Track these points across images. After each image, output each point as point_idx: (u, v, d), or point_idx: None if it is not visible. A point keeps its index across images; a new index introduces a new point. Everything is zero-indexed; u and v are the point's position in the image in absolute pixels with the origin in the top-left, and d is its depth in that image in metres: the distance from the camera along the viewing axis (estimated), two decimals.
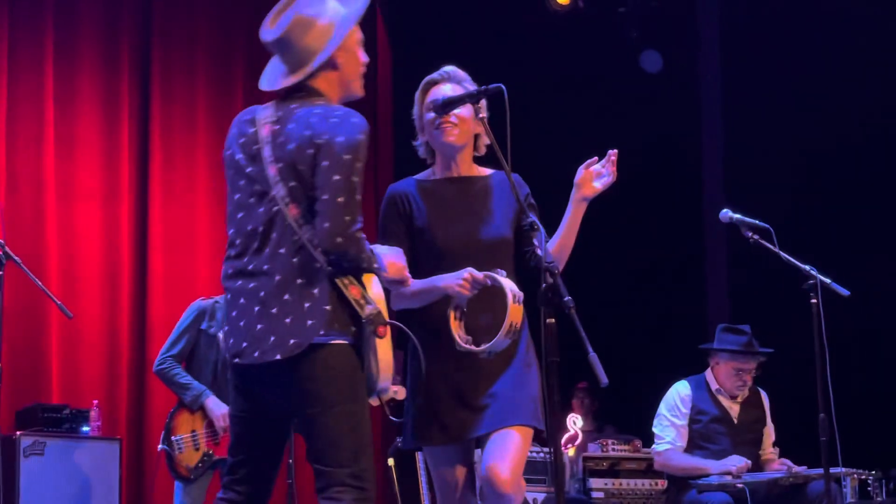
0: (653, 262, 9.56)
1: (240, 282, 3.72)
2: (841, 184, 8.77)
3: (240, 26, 9.27)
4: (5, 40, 8.09)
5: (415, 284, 4.07)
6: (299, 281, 3.62)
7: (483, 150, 4.33)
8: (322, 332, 3.59)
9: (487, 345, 3.97)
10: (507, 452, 4.07)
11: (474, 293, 4.03)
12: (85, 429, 7.15)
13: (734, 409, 6.56)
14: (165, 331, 6.99)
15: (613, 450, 7.60)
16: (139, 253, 8.45)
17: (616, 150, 4.17)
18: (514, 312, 3.93)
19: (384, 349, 3.67)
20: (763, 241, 5.70)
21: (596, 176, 4.14)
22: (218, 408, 6.45)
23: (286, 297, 3.62)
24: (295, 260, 3.64)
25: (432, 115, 4.27)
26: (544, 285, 3.69)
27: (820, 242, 7.77)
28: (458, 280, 4.02)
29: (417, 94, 4.40)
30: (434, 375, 4.14)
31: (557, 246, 4.21)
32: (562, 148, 9.30)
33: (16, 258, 6.06)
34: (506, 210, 4.24)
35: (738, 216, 5.77)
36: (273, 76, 3.87)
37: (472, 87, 4.29)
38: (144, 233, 8.55)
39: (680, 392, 6.59)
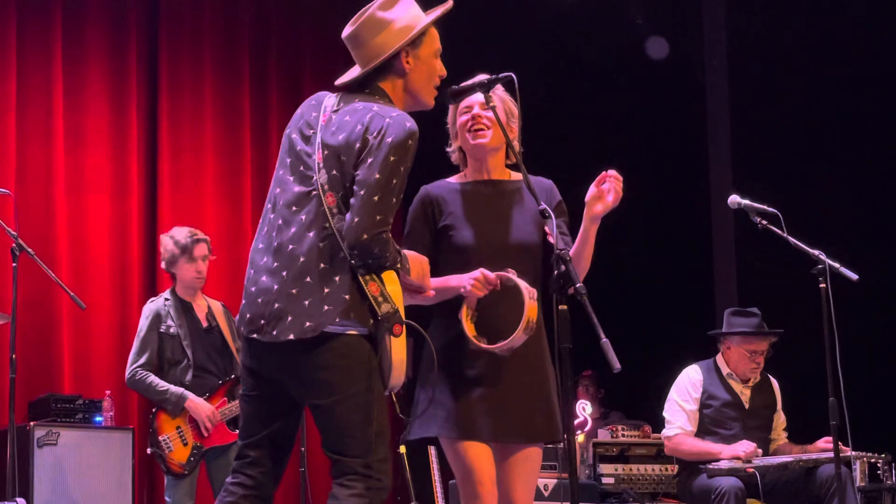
0: (660, 247, 9.58)
1: (265, 259, 3.76)
2: (849, 167, 8.78)
3: (246, 18, 9.29)
4: (13, 32, 8.12)
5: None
6: (322, 266, 3.65)
7: (513, 159, 4.31)
8: (338, 320, 3.60)
9: (504, 342, 4.00)
10: (530, 487, 4.22)
11: (486, 293, 4.06)
12: (98, 419, 7.19)
13: (745, 394, 6.58)
14: None
15: (623, 435, 7.63)
16: (149, 244, 8.49)
17: (616, 173, 4.15)
18: (531, 310, 3.96)
19: (398, 348, 3.67)
20: (771, 227, 5.71)
21: (606, 193, 4.13)
22: (201, 408, 6.47)
23: (308, 279, 3.64)
24: (322, 245, 3.66)
25: (465, 118, 4.29)
26: (556, 272, 3.71)
27: (828, 226, 7.78)
28: (469, 280, 4.05)
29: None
30: (456, 370, 4.16)
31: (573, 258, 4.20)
32: (569, 135, 9.38)
33: (29, 250, 6.09)
34: (536, 214, 4.12)
35: (745, 201, 5.78)
36: (349, 72, 3.98)
37: (505, 96, 4.30)
38: (154, 223, 8.59)
39: (691, 376, 6.61)
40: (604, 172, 4.17)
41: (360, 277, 3.64)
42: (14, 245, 6.10)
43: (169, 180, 8.69)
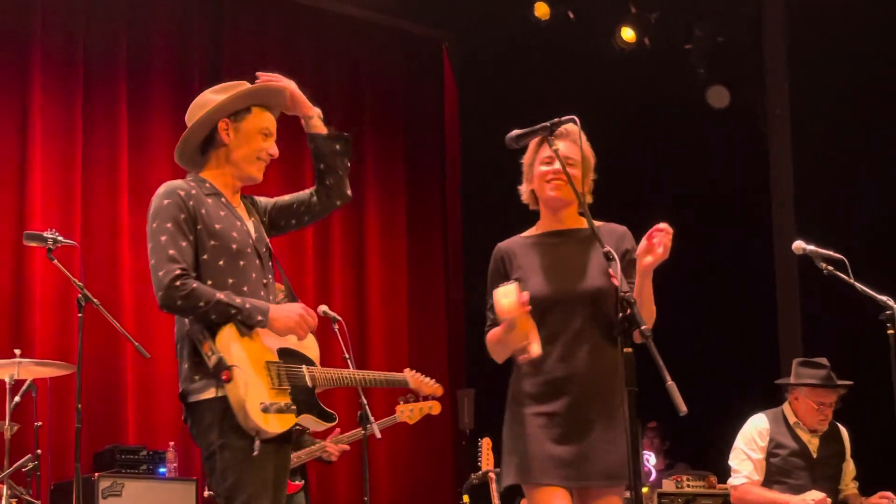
0: (723, 295, 9.51)
1: None
2: None
3: (306, 77, 9.41)
4: (80, 90, 8.25)
5: (493, 336, 4.18)
6: (178, 343, 4.10)
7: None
8: (189, 389, 4.00)
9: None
10: None
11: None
12: (162, 470, 7.21)
13: (813, 444, 6.47)
14: None
15: (689, 486, 7.53)
16: None
17: (668, 227, 4.13)
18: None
19: (234, 393, 3.88)
20: (837, 272, 5.64)
21: (656, 246, 4.10)
22: None
23: (179, 347, 4.12)
24: (176, 322, 4.11)
25: (544, 168, 4.30)
26: (620, 315, 3.69)
27: (895, 272, 7.68)
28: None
29: (533, 143, 4.36)
30: (535, 415, 4.16)
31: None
32: (630, 183, 9.36)
33: (94, 300, 6.13)
34: (605, 262, 4.08)
35: (811, 247, 5.71)
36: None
37: (587, 147, 4.33)
38: None
39: (757, 425, 6.51)
40: (655, 226, 4.14)
41: (195, 340, 3.98)
42: (80, 296, 6.14)
43: None
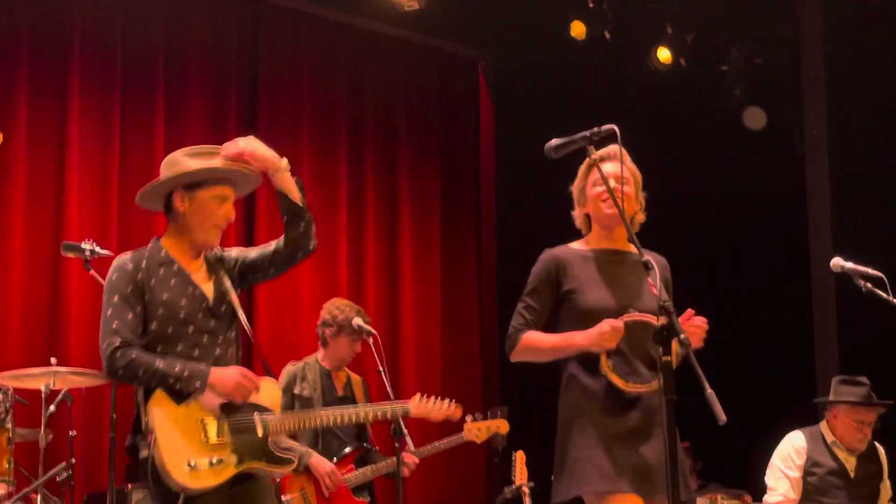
0: (760, 315, 9.46)
1: None
2: None
3: (343, 90, 9.45)
4: (118, 103, 8.29)
5: (549, 339, 4.22)
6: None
7: (637, 228, 4.42)
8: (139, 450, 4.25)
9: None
10: None
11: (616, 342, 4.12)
12: None
13: (850, 463, 6.42)
14: None
15: None
16: (246, 313, 8.54)
17: (704, 320, 4.13)
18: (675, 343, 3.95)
19: (158, 455, 4.12)
20: (876, 290, 5.60)
21: (692, 336, 4.09)
22: (322, 466, 6.47)
23: None
24: None
25: (599, 189, 4.33)
26: (659, 324, 3.67)
27: None
28: (599, 335, 4.09)
29: (581, 169, 4.48)
30: (599, 426, 4.18)
31: None
32: (664, 204, 9.32)
33: None
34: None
35: (849, 264, 5.67)
36: None
37: (633, 167, 4.41)
38: (248, 293, 8.66)
39: (794, 443, 6.47)
40: (689, 310, 4.13)
41: (137, 403, 4.28)
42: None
43: None
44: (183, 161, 4.36)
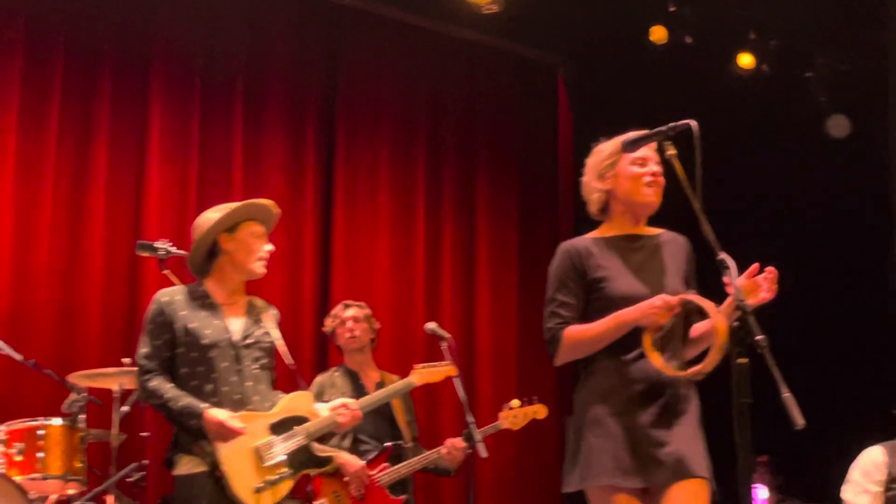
0: (839, 325, 9.30)
1: None
2: None
3: (420, 99, 9.42)
4: (197, 110, 8.34)
5: (594, 326, 4.09)
6: None
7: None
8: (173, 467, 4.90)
9: (700, 366, 3.92)
10: None
11: (667, 319, 4.00)
12: None
13: None
14: None
15: None
16: (320, 319, 8.52)
17: (774, 269, 3.98)
18: (724, 330, 3.84)
19: (228, 487, 4.69)
20: None
21: (755, 286, 3.96)
22: (350, 464, 6.41)
23: None
24: None
25: (642, 171, 4.21)
26: (737, 323, 3.57)
27: None
28: (651, 308, 3.95)
29: (614, 146, 4.34)
30: (621, 416, 4.06)
31: (695, 345, 4.20)
32: (744, 212, 9.20)
33: None
34: (679, 266, 4.27)
35: None
36: None
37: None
38: (326, 299, 8.67)
39: (874, 457, 6.30)
40: (755, 265, 4.00)
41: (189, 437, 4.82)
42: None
43: (343, 257, 8.80)
44: (210, 215, 5.00)
